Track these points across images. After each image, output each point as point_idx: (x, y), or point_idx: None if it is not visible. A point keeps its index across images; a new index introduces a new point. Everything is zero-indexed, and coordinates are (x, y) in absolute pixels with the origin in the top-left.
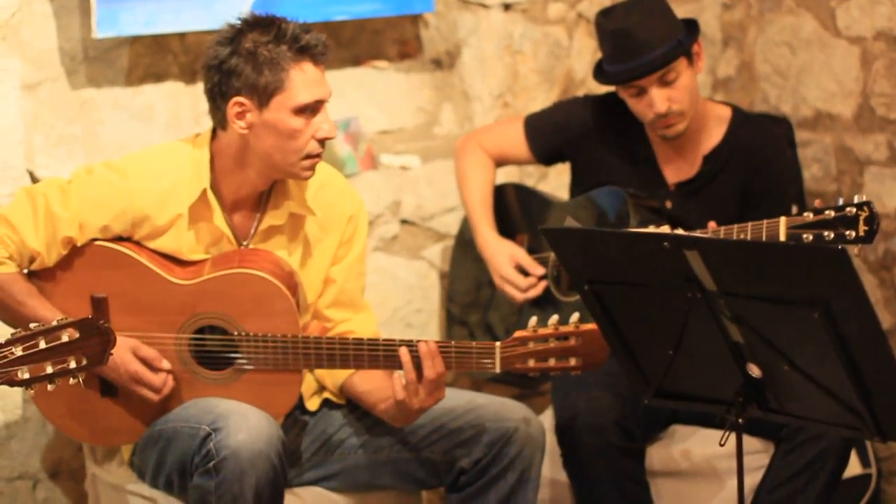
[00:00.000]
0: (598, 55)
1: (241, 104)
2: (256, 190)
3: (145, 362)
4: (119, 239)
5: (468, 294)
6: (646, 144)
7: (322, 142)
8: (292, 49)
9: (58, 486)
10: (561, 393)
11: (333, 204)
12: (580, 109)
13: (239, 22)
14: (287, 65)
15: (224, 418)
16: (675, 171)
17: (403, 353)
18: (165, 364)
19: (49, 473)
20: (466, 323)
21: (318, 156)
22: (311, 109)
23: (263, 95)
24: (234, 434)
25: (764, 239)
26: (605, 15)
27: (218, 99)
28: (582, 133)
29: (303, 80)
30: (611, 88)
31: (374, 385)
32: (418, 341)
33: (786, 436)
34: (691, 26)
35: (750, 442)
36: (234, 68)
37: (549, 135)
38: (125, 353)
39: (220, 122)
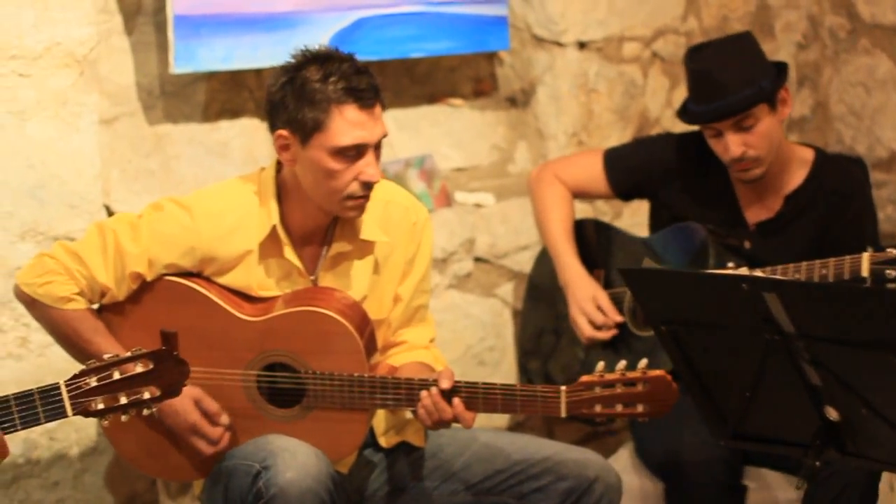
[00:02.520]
0: (673, 93)
1: (284, 137)
2: (321, 222)
3: (206, 414)
4: (189, 274)
5: (529, 340)
6: (726, 183)
7: (366, 185)
8: (337, 90)
9: None
10: (651, 430)
11: (400, 221)
12: (661, 146)
13: (301, 55)
14: (328, 106)
15: (274, 456)
16: (756, 211)
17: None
18: (224, 419)
19: None
20: (526, 370)
21: (361, 198)
22: (352, 152)
23: (304, 132)
24: (283, 472)
25: (847, 275)
26: (693, 52)
27: (270, 128)
28: (662, 170)
29: (342, 122)
30: (688, 129)
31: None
32: (432, 385)
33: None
34: (781, 70)
35: None
36: (281, 100)
37: (630, 171)
38: (187, 403)
39: (276, 152)
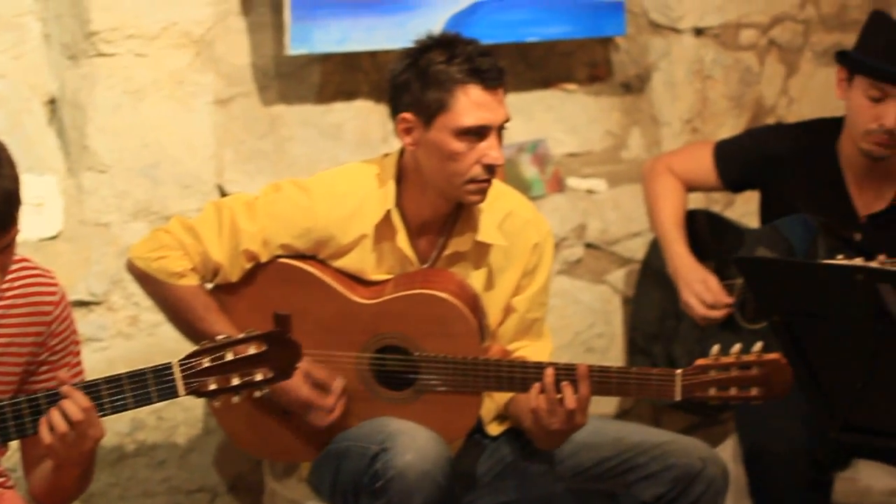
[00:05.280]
0: (789, 81)
1: (407, 120)
2: (439, 213)
3: (317, 385)
4: (303, 257)
5: (652, 324)
6: (837, 174)
7: (489, 168)
8: (462, 70)
9: (236, 500)
10: (748, 420)
11: (519, 233)
12: (772, 138)
13: (423, 39)
14: (453, 86)
15: (392, 438)
16: (868, 203)
17: (549, 373)
18: (338, 383)
19: (227, 487)
20: (650, 353)
21: (484, 181)
22: (475, 133)
23: (427, 114)
24: (402, 454)
25: None
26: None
27: (392, 113)
28: (773, 162)
29: (467, 102)
30: (803, 117)
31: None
32: (546, 367)
33: None
34: None
35: None
36: (404, 83)
37: (740, 163)
38: (297, 378)
39: (398, 136)
